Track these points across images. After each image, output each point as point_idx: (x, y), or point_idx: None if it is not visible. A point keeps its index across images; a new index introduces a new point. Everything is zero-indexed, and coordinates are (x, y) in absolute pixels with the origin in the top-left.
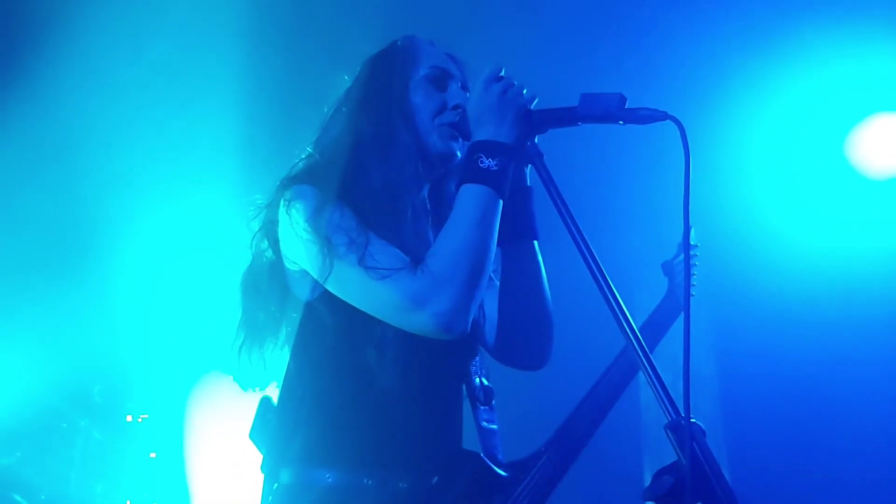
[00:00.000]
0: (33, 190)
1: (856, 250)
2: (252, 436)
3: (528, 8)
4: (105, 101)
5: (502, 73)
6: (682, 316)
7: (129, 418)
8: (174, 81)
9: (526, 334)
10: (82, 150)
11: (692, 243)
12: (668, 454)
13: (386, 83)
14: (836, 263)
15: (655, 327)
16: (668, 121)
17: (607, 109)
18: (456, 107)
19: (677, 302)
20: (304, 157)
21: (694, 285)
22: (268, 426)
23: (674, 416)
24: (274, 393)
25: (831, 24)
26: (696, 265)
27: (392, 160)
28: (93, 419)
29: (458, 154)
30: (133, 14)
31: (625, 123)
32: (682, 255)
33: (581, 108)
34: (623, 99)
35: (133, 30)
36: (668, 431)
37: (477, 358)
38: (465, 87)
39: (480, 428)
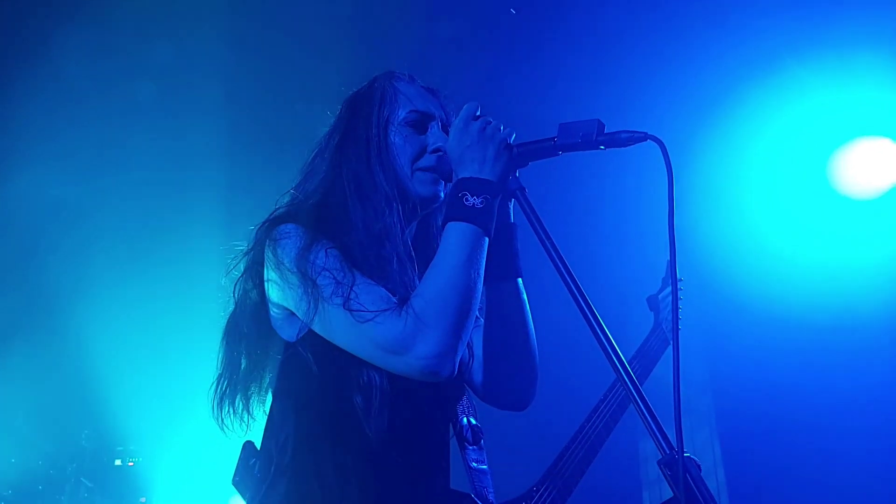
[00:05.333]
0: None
1: (847, 275)
2: (235, 482)
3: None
4: (83, 143)
5: (479, 112)
6: (668, 350)
7: (117, 463)
8: (158, 121)
9: (510, 374)
10: (57, 189)
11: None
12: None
13: (364, 129)
14: (829, 291)
15: (643, 362)
16: (649, 142)
17: (587, 136)
18: (436, 150)
19: (664, 336)
20: (286, 200)
21: (678, 319)
22: (251, 472)
23: (667, 451)
24: (257, 438)
25: (816, 55)
26: (679, 298)
27: (373, 207)
28: (81, 464)
29: (441, 195)
30: (116, 54)
31: (606, 148)
32: (666, 289)
33: (560, 138)
34: (601, 124)
35: (115, 71)
36: (662, 467)
37: (464, 398)
38: (446, 124)
39: (470, 469)
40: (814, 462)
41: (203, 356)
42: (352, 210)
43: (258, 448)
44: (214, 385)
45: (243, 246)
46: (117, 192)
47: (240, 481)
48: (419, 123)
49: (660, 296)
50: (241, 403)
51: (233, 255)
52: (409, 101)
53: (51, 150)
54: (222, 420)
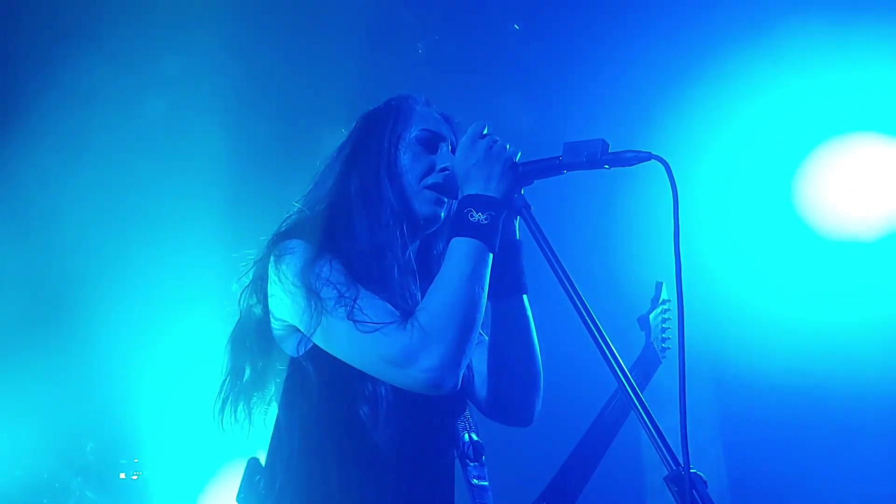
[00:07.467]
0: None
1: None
2: (239, 499)
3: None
4: (92, 157)
5: (485, 131)
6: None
7: (122, 476)
8: (164, 139)
9: (515, 390)
10: (65, 203)
11: (665, 298)
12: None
13: (377, 142)
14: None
15: (636, 379)
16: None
17: (592, 155)
18: (444, 169)
19: (656, 354)
20: (294, 212)
21: (668, 338)
22: (256, 488)
23: (673, 467)
24: (262, 453)
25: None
26: (668, 318)
27: (378, 220)
28: (85, 478)
29: (442, 216)
30: (125, 69)
31: (611, 167)
32: (656, 309)
33: (565, 157)
34: (606, 144)
35: (123, 86)
36: (669, 483)
37: (465, 413)
38: (455, 148)
39: (471, 486)
40: (824, 476)
41: (210, 369)
42: (356, 220)
43: (262, 464)
44: (217, 390)
45: (252, 255)
46: (123, 203)
47: (244, 498)
48: (430, 142)
49: (650, 315)
50: (243, 412)
51: (242, 264)
52: (422, 120)
53: (58, 162)
54: (223, 426)
